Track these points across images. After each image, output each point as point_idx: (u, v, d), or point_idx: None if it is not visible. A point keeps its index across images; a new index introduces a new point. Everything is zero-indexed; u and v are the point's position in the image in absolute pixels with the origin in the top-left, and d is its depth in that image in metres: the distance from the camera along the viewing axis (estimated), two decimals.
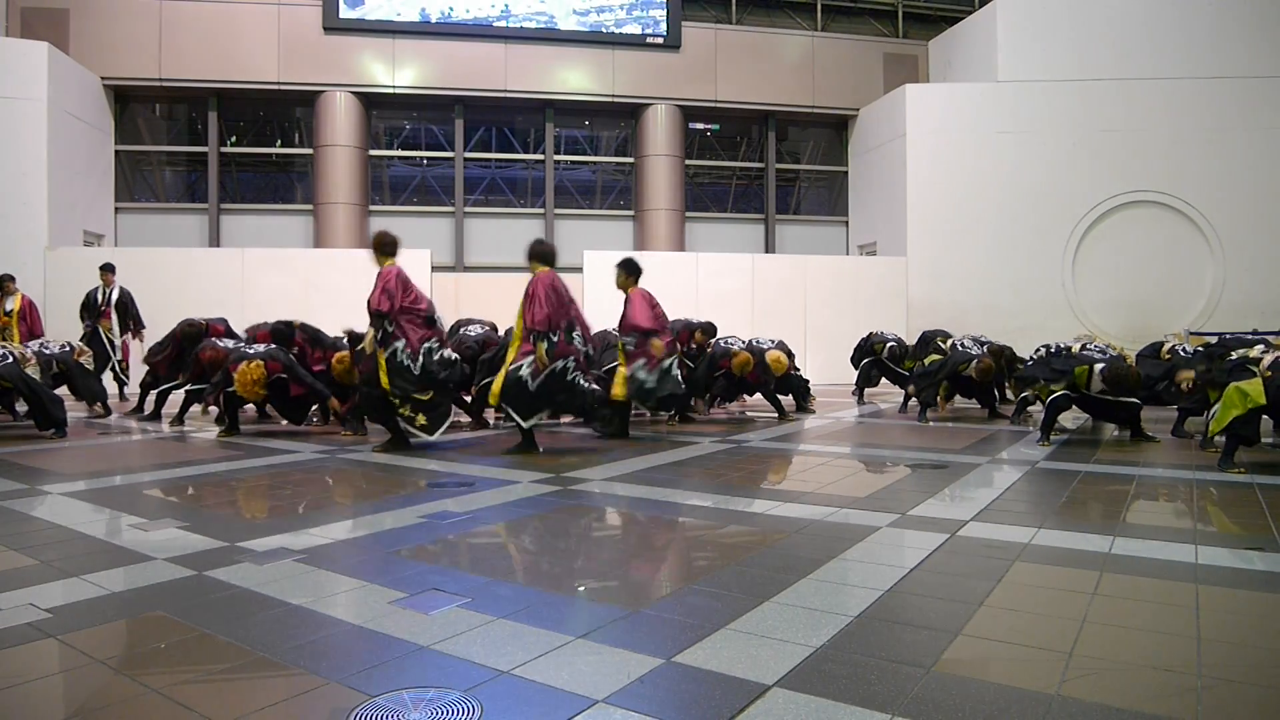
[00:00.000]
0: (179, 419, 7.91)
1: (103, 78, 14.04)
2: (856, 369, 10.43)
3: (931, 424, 7.97)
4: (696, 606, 2.64)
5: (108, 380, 10.23)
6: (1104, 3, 14.42)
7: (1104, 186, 14.12)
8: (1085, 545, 3.42)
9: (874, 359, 10.17)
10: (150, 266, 11.83)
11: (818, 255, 15.36)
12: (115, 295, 9.82)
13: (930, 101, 14.57)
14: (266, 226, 15.13)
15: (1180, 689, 2.05)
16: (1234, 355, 6.24)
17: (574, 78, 15.53)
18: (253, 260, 12.57)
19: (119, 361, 10.02)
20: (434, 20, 15.00)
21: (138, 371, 10.42)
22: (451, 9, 15.06)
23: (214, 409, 7.91)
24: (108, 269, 10.07)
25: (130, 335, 10.14)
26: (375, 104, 15.49)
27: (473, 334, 7.95)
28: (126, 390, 10.23)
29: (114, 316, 9.79)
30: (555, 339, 6.01)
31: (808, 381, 9.36)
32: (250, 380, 6.57)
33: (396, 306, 5.98)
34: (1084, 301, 13.99)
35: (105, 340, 9.80)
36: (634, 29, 15.60)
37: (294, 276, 12.51)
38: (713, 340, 8.61)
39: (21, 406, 7.20)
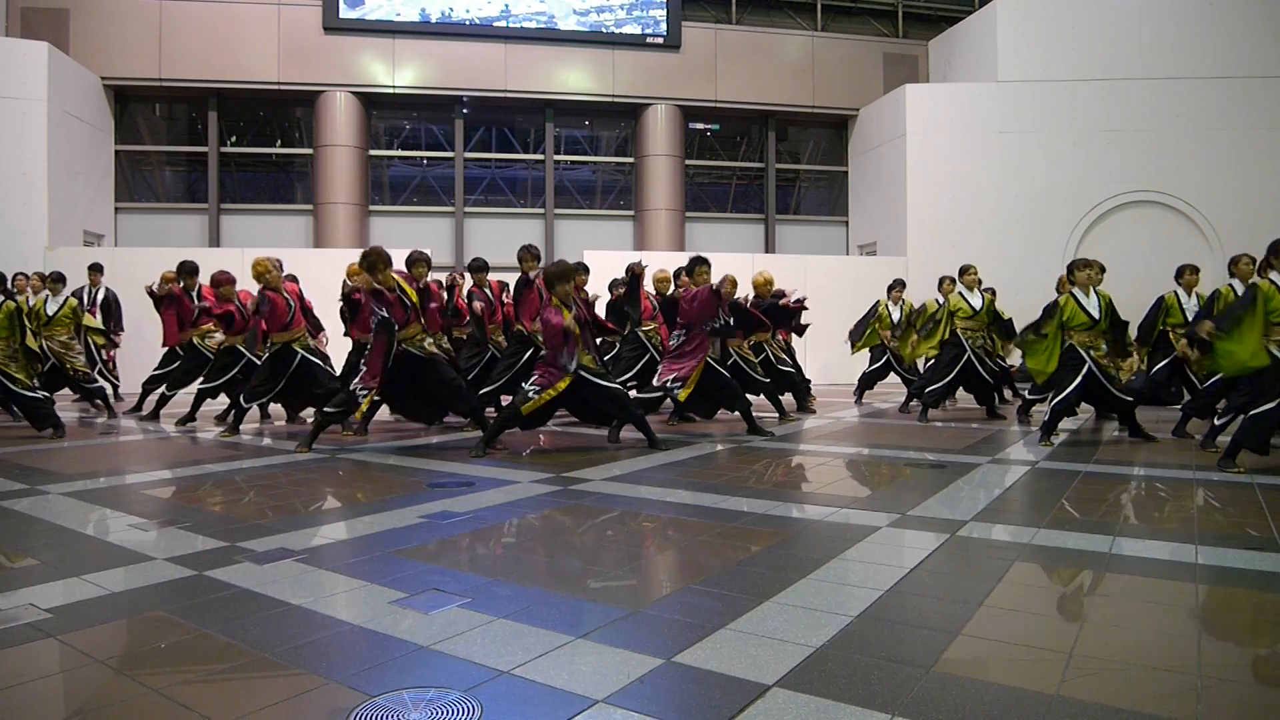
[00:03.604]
0: (189, 417, 7.92)
1: (103, 78, 14.05)
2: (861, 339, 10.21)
3: (936, 424, 7.97)
4: (696, 606, 2.64)
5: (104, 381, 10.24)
6: (1104, 3, 14.42)
7: (1104, 186, 14.12)
8: (1085, 545, 3.42)
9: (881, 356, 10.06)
10: (150, 266, 11.79)
11: (818, 255, 15.37)
12: (101, 295, 9.79)
13: (930, 101, 14.57)
14: (266, 226, 15.13)
15: (1180, 689, 2.05)
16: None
17: (574, 78, 15.53)
18: (253, 260, 12.56)
19: (104, 362, 10.00)
20: (434, 20, 15.00)
21: (127, 372, 10.43)
22: (451, 9, 15.06)
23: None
24: (95, 269, 10.04)
25: (111, 335, 10.12)
26: (375, 104, 15.50)
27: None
28: (121, 390, 10.23)
29: (99, 316, 9.75)
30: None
31: (809, 381, 9.36)
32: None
33: None
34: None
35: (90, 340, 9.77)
36: (634, 29, 15.60)
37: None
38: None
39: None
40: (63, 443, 6.72)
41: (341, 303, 7.10)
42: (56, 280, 8.73)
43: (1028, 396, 8.20)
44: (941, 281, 9.01)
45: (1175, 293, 7.75)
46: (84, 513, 4.12)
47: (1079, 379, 6.40)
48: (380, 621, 2.52)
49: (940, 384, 8.26)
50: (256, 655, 2.25)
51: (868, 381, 10.24)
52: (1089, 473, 5.21)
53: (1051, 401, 6.53)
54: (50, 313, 8.45)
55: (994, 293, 8.91)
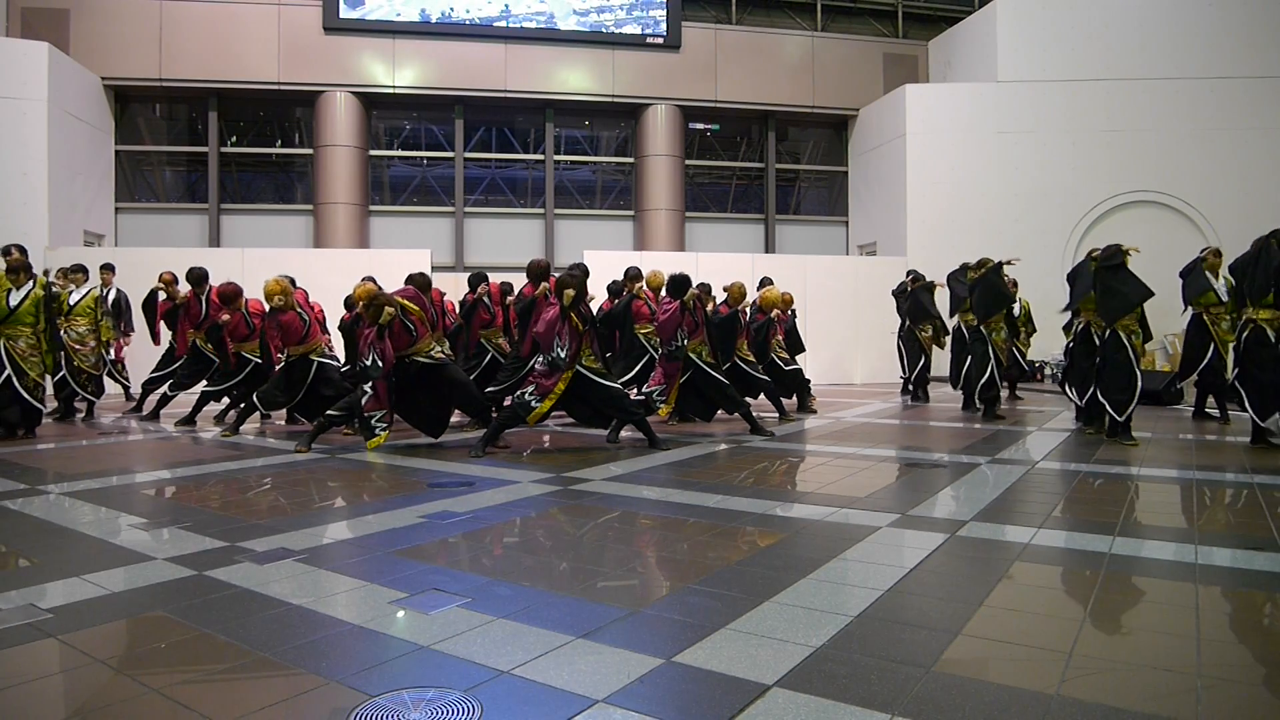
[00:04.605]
0: (190, 419, 7.93)
1: (103, 78, 14.05)
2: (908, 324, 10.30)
3: (935, 424, 7.97)
4: (696, 606, 2.64)
5: (108, 382, 10.23)
6: (1103, 3, 14.42)
7: (1103, 187, 14.13)
8: (1085, 545, 3.42)
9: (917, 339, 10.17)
10: (150, 266, 11.79)
11: (818, 255, 15.36)
12: (112, 295, 9.78)
13: (930, 101, 14.58)
14: (266, 226, 15.13)
15: (1180, 689, 2.05)
16: None
17: (574, 78, 15.53)
18: (253, 260, 12.56)
19: (113, 362, 9.99)
20: (434, 20, 15.01)
21: (132, 372, 10.44)
22: (451, 9, 15.06)
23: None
24: (107, 268, 10.05)
25: (122, 336, 10.12)
26: (375, 104, 15.50)
27: None
28: (133, 390, 10.22)
29: (111, 316, 9.73)
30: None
31: (809, 381, 9.35)
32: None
33: None
34: None
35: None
36: (634, 29, 15.60)
37: (293, 275, 12.48)
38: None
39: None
40: (64, 443, 6.72)
41: (344, 316, 7.24)
42: (77, 271, 8.86)
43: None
44: (966, 269, 9.02)
45: (1206, 274, 7.77)
46: (84, 513, 4.12)
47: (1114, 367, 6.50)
48: (380, 621, 2.52)
49: (986, 378, 8.28)
50: (257, 655, 2.25)
51: (922, 380, 10.37)
52: (1089, 473, 5.21)
53: (1080, 394, 6.76)
54: (72, 303, 8.53)
55: (1016, 285, 9.02)
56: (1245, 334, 6.31)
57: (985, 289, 8.24)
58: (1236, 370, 6.44)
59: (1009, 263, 8.39)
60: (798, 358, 9.32)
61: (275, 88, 14.65)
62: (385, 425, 6.26)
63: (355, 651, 2.30)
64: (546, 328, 6.02)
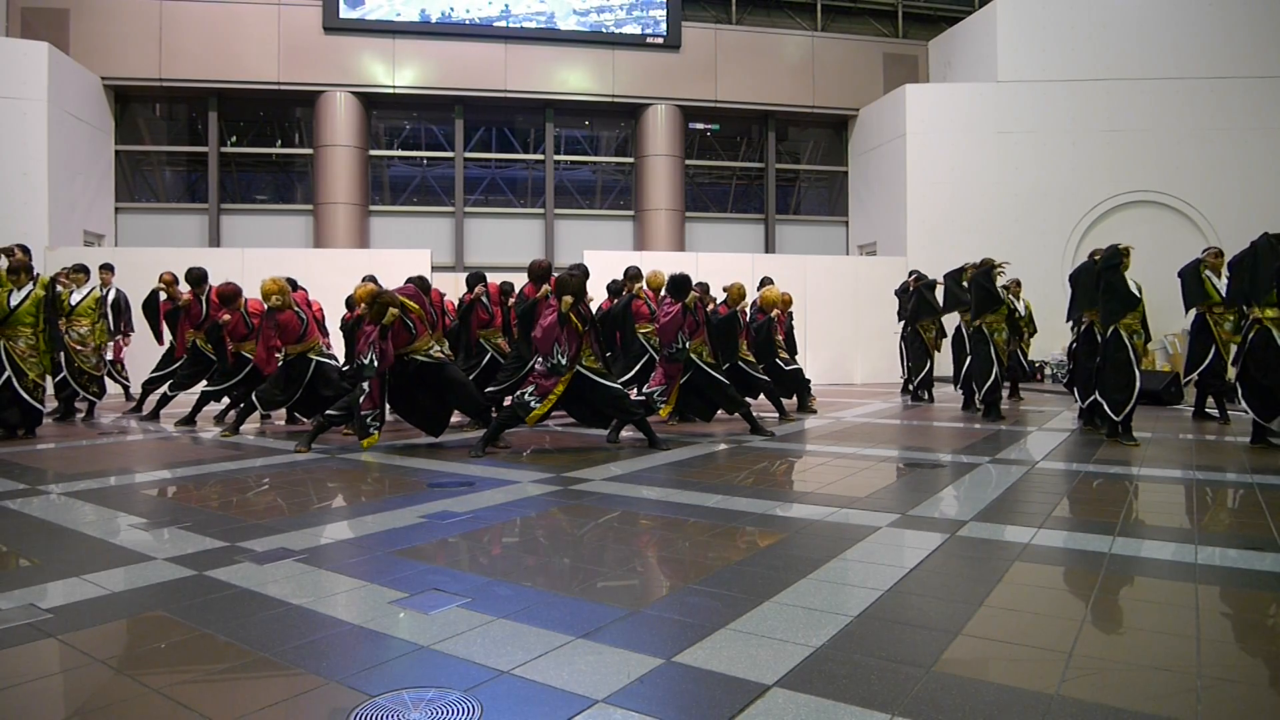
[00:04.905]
0: (190, 419, 7.93)
1: (103, 78, 14.05)
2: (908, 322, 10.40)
3: (936, 424, 7.97)
4: (696, 606, 2.64)
5: (107, 382, 10.23)
6: (1103, 3, 14.43)
7: (1103, 186, 14.14)
8: (1085, 545, 3.42)
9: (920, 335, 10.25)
10: (150, 267, 11.79)
11: (818, 255, 15.37)
12: (112, 295, 9.77)
13: (930, 101, 14.58)
14: (266, 226, 15.13)
15: (1180, 689, 2.05)
16: None
17: (574, 78, 15.53)
18: (253, 260, 12.56)
19: (112, 363, 9.98)
20: (434, 20, 15.01)
21: (132, 372, 10.45)
22: (451, 9, 15.06)
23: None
24: (106, 268, 10.06)
25: (121, 337, 10.13)
26: (375, 104, 15.50)
27: None
28: (133, 390, 10.22)
29: (110, 317, 9.73)
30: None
31: (809, 381, 9.36)
32: None
33: None
34: None
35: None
36: (634, 29, 15.60)
37: (294, 277, 12.48)
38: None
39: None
40: (64, 443, 6.72)
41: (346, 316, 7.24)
42: (78, 271, 8.86)
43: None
44: (965, 269, 9.04)
45: (1206, 274, 7.75)
46: (84, 513, 4.12)
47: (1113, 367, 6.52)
48: (380, 621, 2.52)
49: (991, 381, 8.29)
50: (256, 655, 2.25)
51: (927, 382, 10.41)
52: (1089, 473, 5.21)
53: (1082, 395, 6.83)
54: (73, 303, 8.53)
55: (1020, 285, 9.05)
56: (1251, 335, 6.30)
57: (976, 291, 8.36)
58: (1238, 370, 6.46)
59: (999, 268, 8.43)
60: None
61: (275, 88, 14.65)
62: (378, 425, 6.26)
63: (355, 651, 2.30)
64: (545, 334, 6.01)
